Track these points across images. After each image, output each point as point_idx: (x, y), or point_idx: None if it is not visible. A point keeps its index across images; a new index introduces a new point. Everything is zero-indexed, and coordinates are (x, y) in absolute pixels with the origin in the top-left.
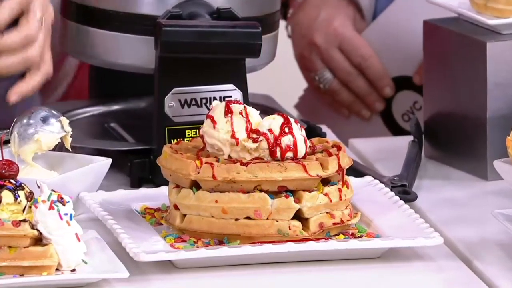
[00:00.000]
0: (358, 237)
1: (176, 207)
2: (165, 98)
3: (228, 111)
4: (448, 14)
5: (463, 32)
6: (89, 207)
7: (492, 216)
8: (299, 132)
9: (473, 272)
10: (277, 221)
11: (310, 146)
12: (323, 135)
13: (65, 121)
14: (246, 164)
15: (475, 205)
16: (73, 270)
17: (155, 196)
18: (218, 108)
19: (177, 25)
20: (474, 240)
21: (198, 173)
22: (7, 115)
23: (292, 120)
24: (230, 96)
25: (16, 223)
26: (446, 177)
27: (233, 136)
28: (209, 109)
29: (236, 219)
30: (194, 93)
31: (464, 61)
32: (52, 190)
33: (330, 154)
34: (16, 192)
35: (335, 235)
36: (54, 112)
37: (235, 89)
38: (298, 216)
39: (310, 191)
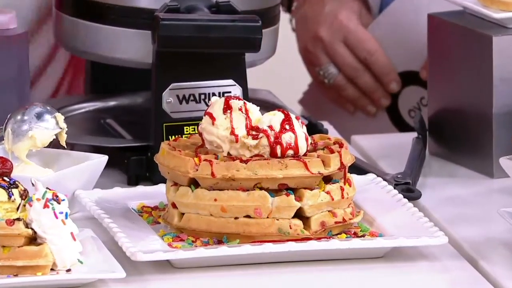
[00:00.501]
0: (361, 236)
1: (174, 205)
2: (163, 93)
3: (227, 107)
4: (453, 8)
5: (468, 26)
6: (85, 205)
7: (498, 214)
8: (300, 129)
9: (478, 272)
10: (277, 219)
11: (311, 143)
12: (325, 131)
13: (60, 117)
14: (246, 162)
15: (480, 203)
16: (68, 270)
17: (152, 194)
18: (217, 104)
19: (175, 18)
20: (479, 239)
21: (197, 170)
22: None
23: (293, 116)
24: (230, 92)
25: (10, 222)
26: (451, 175)
27: (232, 132)
28: (208, 105)
29: (236, 218)
30: (193, 88)
31: (469, 56)
32: (47, 188)
33: (332, 151)
34: (10, 190)
35: (337, 234)
36: (49, 108)
37: (235, 85)
38: (299, 214)
39: (311, 189)
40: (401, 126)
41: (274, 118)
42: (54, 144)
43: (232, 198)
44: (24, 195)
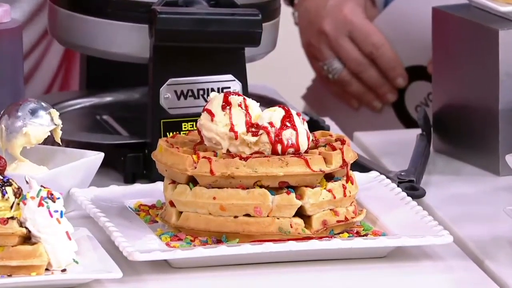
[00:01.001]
0: (363, 236)
1: (172, 204)
2: (160, 89)
3: (226, 103)
4: (459, 1)
5: (474, 19)
6: (80, 203)
7: (504, 213)
8: (301, 125)
9: (484, 272)
10: (278, 218)
11: (312, 140)
12: (326, 128)
13: (55, 113)
14: (246, 159)
15: (486, 202)
16: (63, 270)
17: (149, 192)
18: (216, 99)
19: (173, 12)
20: (485, 238)
21: (195, 168)
22: None
23: (293, 112)
24: (229, 87)
25: (4, 221)
26: (456, 172)
27: (231, 129)
28: (206, 101)
29: (235, 217)
30: (191, 84)
31: (475, 50)
32: (41, 186)
33: (333, 148)
34: (3, 188)
35: (339, 233)
36: (43, 104)
37: (234, 80)
38: (300, 213)
39: (312, 187)
40: (408, 122)
41: (275, 115)
42: (49, 141)
43: (231, 197)
44: (18, 193)
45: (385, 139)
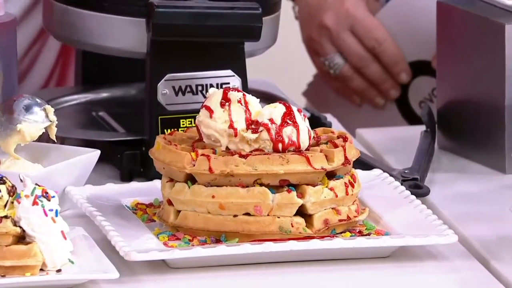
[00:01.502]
0: (366, 235)
1: (169, 202)
2: (158, 85)
3: (225, 99)
4: None
5: (479, 13)
6: (76, 202)
7: (510, 212)
8: (302, 122)
9: (490, 273)
10: (278, 217)
11: (314, 137)
12: (328, 124)
13: (50, 109)
14: (245, 156)
15: (492, 200)
16: (58, 271)
17: (147, 190)
18: (215, 96)
19: (170, 6)
20: (491, 238)
21: (194, 165)
22: None
23: (294, 108)
24: (228, 83)
25: None
26: (461, 170)
27: (231, 126)
28: (205, 97)
29: (235, 216)
30: (189, 79)
31: (480, 45)
32: (36, 184)
33: (335, 146)
34: None
35: (341, 233)
36: (38, 100)
37: (234, 75)
38: (301, 212)
39: (314, 185)
40: (411, 118)
41: (275, 111)
42: (44, 138)
43: (230, 195)
44: (12, 191)
45: (388, 136)
